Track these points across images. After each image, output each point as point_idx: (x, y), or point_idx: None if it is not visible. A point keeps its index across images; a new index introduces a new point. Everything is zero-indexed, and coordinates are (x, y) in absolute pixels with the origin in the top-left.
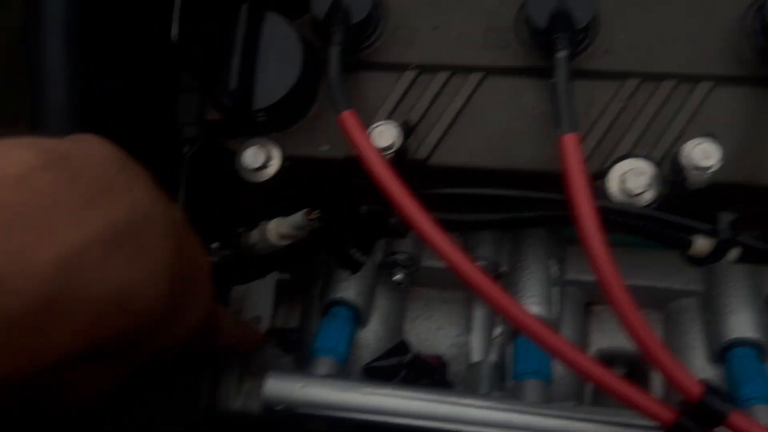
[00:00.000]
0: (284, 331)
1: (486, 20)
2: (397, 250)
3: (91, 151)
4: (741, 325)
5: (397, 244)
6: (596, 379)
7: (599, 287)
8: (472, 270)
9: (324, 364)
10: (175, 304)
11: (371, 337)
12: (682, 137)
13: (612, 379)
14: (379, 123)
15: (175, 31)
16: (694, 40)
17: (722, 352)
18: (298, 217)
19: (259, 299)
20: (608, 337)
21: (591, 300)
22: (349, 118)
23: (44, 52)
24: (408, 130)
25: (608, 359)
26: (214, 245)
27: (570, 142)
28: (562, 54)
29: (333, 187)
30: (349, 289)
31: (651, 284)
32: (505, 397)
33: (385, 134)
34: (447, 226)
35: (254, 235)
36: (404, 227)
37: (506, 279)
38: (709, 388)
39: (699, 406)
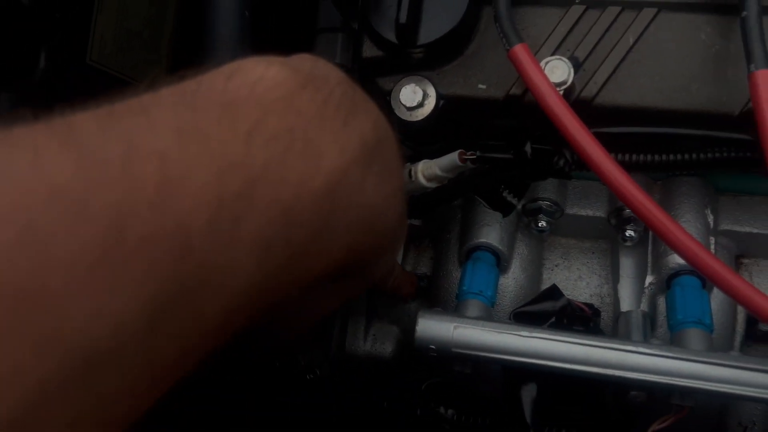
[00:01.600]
0: (415, 276)
1: None
2: (540, 196)
3: (328, 70)
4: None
5: (541, 191)
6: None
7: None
8: (655, 209)
9: (474, 306)
10: (403, 224)
11: (512, 284)
12: None
13: None
14: (551, 58)
15: None
16: None
17: None
18: (451, 158)
19: None
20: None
21: (742, 252)
22: (521, 51)
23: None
24: (576, 67)
25: None
26: None
27: (763, 78)
28: None
29: (490, 127)
30: (492, 234)
31: None
32: (668, 345)
33: (558, 69)
34: (624, 166)
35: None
36: (570, 167)
37: None
38: None
39: None
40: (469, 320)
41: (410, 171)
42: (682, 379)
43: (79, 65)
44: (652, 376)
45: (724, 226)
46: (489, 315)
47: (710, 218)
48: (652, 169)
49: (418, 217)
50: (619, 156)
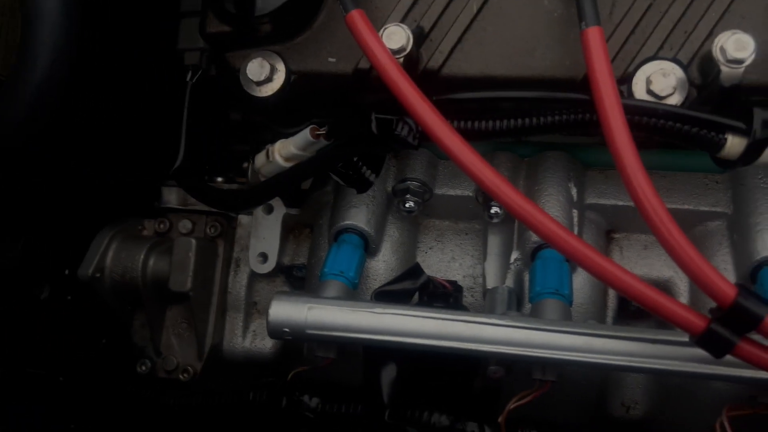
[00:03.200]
0: (292, 267)
1: None
2: (409, 176)
3: None
4: None
5: (409, 171)
6: (621, 284)
7: (626, 185)
8: (493, 175)
9: (333, 287)
10: None
11: (382, 266)
12: (711, 36)
13: (639, 285)
14: (389, 25)
15: None
16: None
17: (753, 272)
18: (304, 135)
19: (265, 235)
20: (629, 264)
21: (612, 228)
22: (357, 17)
23: None
24: (421, 38)
25: None
26: (219, 179)
27: (594, 35)
28: None
29: (340, 101)
30: (359, 215)
31: (677, 206)
32: (523, 316)
33: (396, 36)
34: (464, 134)
35: (259, 159)
36: (415, 137)
37: None
38: (744, 289)
39: (732, 310)
40: (324, 300)
41: (267, 151)
42: (533, 350)
43: None
44: (504, 347)
45: (591, 200)
46: (349, 296)
47: (574, 191)
48: (493, 135)
49: (294, 205)
50: (460, 124)
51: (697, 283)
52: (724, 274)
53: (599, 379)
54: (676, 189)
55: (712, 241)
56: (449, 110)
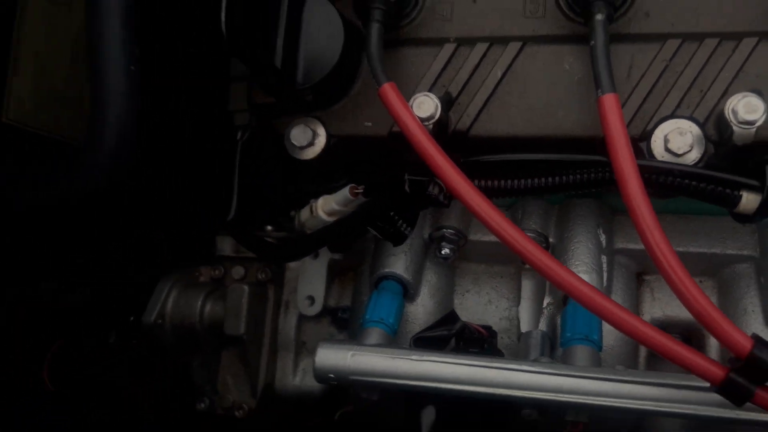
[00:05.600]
0: (337, 310)
1: None
2: (444, 225)
3: None
4: None
5: (444, 219)
6: (642, 337)
7: (644, 244)
8: (516, 233)
9: (374, 334)
10: None
11: (420, 311)
12: (726, 95)
13: (659, 336)
14: (419, 95)
15: (223, 19)
16: None
17: None
18: (343, 193)
19: (312, 279)
20: (661, 306)
21: (642, 270)
22: (389, 90)
23: (105, 46)
24: (449, 103)
25: (662, 329)
26: (268, 228)
27: (609, 101)
28: (599, 16)
29: (377, 162)
30: (397, 263)
31: (704, 250)
32: (554, 362)
33: (425, 105)
34: (489, 193)
35: (304, 213)
36: (446, 196)
37: (554, 250)
38: (759, 341)
39: (749, 361)
40: (365, 347)
41: (311, 207)
42: (563, 395)
43: None
44: (536, 393)
45: (620, 245)
46: (389, 342)
47: (602, 237)
48: (516, 193)
49: (338, 251)
50: (486, 183)
51: (715, 335)
52: (752, 316)
53: (630, 421)
54: (704, 233)
55: (740, 284)
56: (477, 170)
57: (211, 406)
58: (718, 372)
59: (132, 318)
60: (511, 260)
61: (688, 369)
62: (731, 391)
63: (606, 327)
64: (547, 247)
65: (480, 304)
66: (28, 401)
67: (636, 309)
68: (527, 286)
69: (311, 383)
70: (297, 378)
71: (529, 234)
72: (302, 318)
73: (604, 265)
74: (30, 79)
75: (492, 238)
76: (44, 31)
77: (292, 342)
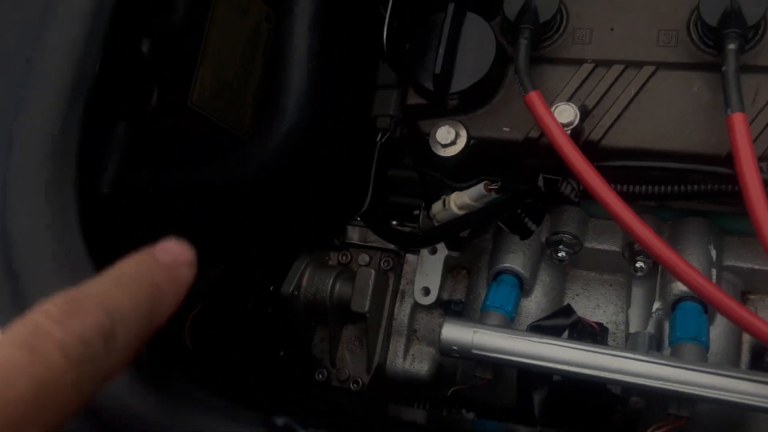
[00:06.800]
0: (450, 302)
1: (658, 22)
2: (562, 230)
3: None
4: None
5: (562, 226)
6: (753, 326)
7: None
8: (647, 230)
9: (494, 317)
10: None
11: (534, 306)
12: None
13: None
14: (561, 103)
15: (386, 32)
16: None
17: None
18: (478, 189)
19: (429, 272)
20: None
21: (748, 289)
22: (535, 97)
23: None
24: (585, 114)
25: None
26: (394, 222)
27: (738, 119)
28: (732, 46)
29: (511, 163)
30: (516, 260)
31: None
32: (663, 355)
33: (566, 112)
34: (620, 195)
35: (436, 206)
36: (576, 194)
37: None
38: None
39: None
40: (487, 326)
41: (444, 201)
42: (671, 384)
43: (182, 106)
44: (645, 380)
45: (728, 262)
46: (507, 325)
47: (713, 253)
48: (646, 198)
49: (455, 249)
50: (617, 186)
51: None
52: None
53: (730, 423)
54: None
55: None
56: (606, 176)
57: (328, 378)
58: None
59: (272, 288)
60: (620, 270)
61: None
62: None
63: (711, 335)
64: None
65: (589, 308)
66: (169, 358)
67: None
68: (637, 293)
69: (418, 367)
70: (407, 362)
71: None
72: (416, 307)
73: (714, 277)
74: (212, 69)
75: (606, 246)
76: (225, 31)
77: (405, 328)
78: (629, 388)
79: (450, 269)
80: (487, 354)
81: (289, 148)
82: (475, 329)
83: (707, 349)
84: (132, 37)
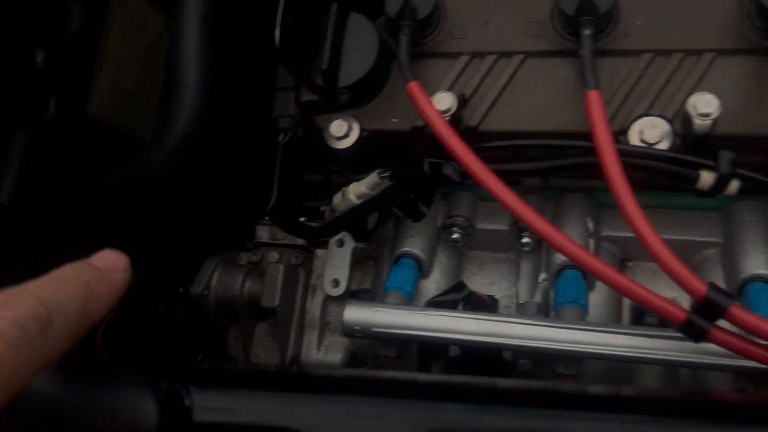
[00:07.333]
0: (359, 292)
1: (526, 15)
2: (455, 213)
3: None
4: (755, 264)
5: (455, 209)
6: (619, 284)
7: (617, 202)
8: (520, 203)
9: (393, 297)
10: None
11: (433, 286)
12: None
13: (634, 284)
14: (439, 92)
15: (277, 35)
16: (698, 21)
17: (741, 288)
18: (372, 177)
19: (337, 264)
20: None
21: (626, 257)
22: (415, 87)
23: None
24: (463, 102)
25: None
26: (301, 219)
27: (593, 97)
28: (587, 32)
29: (401, 151)
30: (414, 244)
31: (678, 237)
32: (546, 318)
33: (444, 100)
34: (497, 173)
35: (336, 198)
36: (459, 174)
37: None
38: (713, 286)
39: (704, 302)
40: (387, 305)
41: (343, 192)
42: (554, 343)
43: (80, 115)
44: (531, 341)
45: (605, 233)
46: (406, 304)
47: (591, 225)
48: (517, 174)
49: (361, 240)
50: (495, 166)
51: (677, 282)
52: None
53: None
54: (677, 224)
55: (708, 266)
56: (484, 157)
57: None
58: (680, 313)
59: (181, 290)
60: (511, 247)
61: (656, 311)
62: (691, 330)
63: (593, 301)
64: None
65: (484, 285)
66: (82, 366)
67: None
68: (525, 266)
69: (332, 357)
70: (321, 353)
71: None
72: (327, 300)
73: (591, 247)
74: (111, 77)
75: (495, 226)
76: (123, 41)
77: (317, 321)
78: (517, 353)
79: (358, 260)
80: (387, 330)
81: (185, 150)
82: (376, 309)
83: (586, 311)
84: (26, 47)
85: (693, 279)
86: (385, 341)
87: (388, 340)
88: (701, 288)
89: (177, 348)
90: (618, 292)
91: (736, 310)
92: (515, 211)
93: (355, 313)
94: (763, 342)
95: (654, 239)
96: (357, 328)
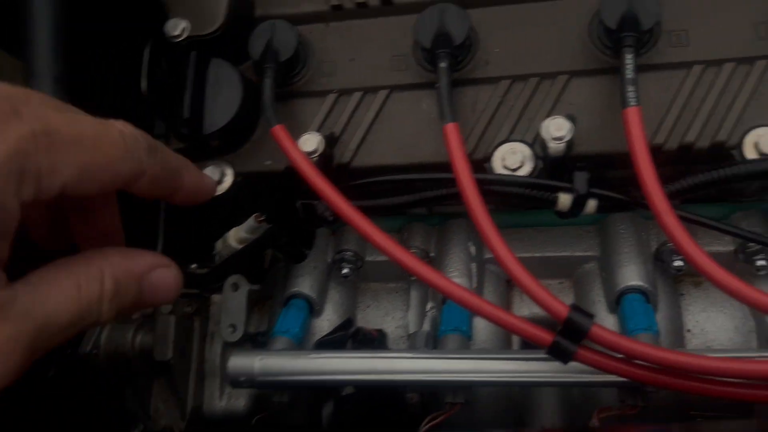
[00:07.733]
0: (256, 335)
1: (391, 49)
2: (344, 248)
3: None
4: (629, 275)
5: (344, 244)
6: (491, 315)
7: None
8: (385, 238)
9: (280, 342)
10: None
11: (326, 324)
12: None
13: (503, 313)
14: (305, 134)
15: (144, 84)
16: (551, 45)
17: (617, 300)
18: (250, 222)
19: (233, 309)
20: (528, 305)
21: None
22: (279, 131)
23: None
24: (333, 141)
25: None
26: (193, 266)
27: (450, 129)
28: (443, 64)
29: (276, 193)
30: (303, 283)
31: (557, 254)
32: (426, 350)
33: (310, 141)
34: (366, 211)
35: (218, 244)
36: (331, 214)
37: (434, 262)
38: (574, 308)
39: (567, 324)
40: (271, 352)
41: (224, 238)
42: (435, 375)
43: None
44: (412, 375)
45: (488, 255)
46: (292, 348)
47: (472, 249)
48: (389, 209)
49: (256, 282)
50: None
51: (540, 305)
52: (599, 305)
53: (513, 403)
54: (555, 241)
55: (589, 279)
56: (360, 193)
57: (145, 431)
58: (547, 336)
59: (69, 351)
60: (402, 278)
61: (523, 336)
62: (558, 352)
63: (480, 325)
64: (429, 260)
65: (379, 317)
66: None
67: (507, 308)
68: (415, 295)
69: (236, 404)
70: (223, 401)
71: (413, 250)
72: (226, 346)
73: (473, 271)
74: None
75: (383, 257)
76: None
77: (217, 368)
78: (404, 387)
79: (254, 303)
80: (273, 378)
81: None
82: (261, 357)
83: (469, 337)
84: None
85: (554, 302)
86: (274, 387)
87: (277, 386)
88: (563, 310)
89: (71, 413)
90: (484, 318)
91: (597, 329)
92: (382, 248)
93: (239, 363)
94: (621, 357)
95: (516, 267)
96: (242, 378)
